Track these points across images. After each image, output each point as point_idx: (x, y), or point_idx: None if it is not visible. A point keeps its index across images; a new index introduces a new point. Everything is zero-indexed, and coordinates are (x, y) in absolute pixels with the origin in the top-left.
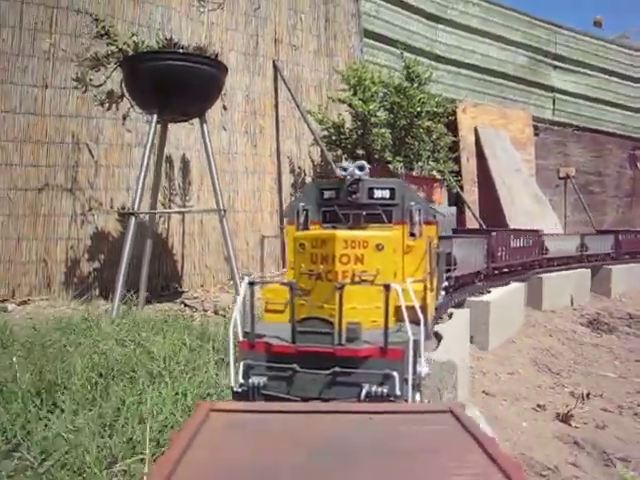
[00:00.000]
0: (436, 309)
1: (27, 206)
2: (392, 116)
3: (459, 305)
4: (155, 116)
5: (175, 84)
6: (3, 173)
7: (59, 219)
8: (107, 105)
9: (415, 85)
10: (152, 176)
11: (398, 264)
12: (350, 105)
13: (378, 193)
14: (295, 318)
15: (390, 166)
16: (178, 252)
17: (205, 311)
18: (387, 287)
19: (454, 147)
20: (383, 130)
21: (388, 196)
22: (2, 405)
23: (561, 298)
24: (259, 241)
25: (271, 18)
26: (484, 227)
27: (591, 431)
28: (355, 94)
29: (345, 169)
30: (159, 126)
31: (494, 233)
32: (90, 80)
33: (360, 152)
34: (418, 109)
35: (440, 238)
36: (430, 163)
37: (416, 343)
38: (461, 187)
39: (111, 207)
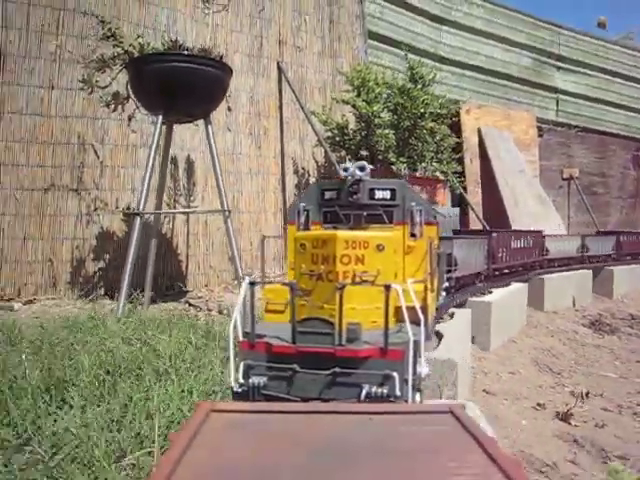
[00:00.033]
0: (437, 310)
1: (33, 206)
2: (396, 117)
3: (460, 306)
4: (160, 117)
5: (180, 86)
6: (10, 173)
7: (65, 219)
8: (113, 106)
9: (419, 86)
10: (157, 177)
11: (399, 265)
12: (354, 106)
13: (379, 194)
14: (295, 318)
15: (394, 167)
16: (183, 252)
17: (209, 311)
18: (387, 287)
19: (457, 148)
20: (387, 131)
21: (389, 197)
22: (12, 401)
23: (563, 299)
24: (259, 241)
25: (275, 20)
26: (487, 228)
27: (590, 430)
28: (359, 95)
29: (346, 169)
30: (164, 127)
31: (494, 234)
32: (96, 82)
33: (364, 153)
34: (422, 110)
35: (441, 239)
36: (433, 164)
37: (416, 344)
38: (464, 188)
39: (116, 207)
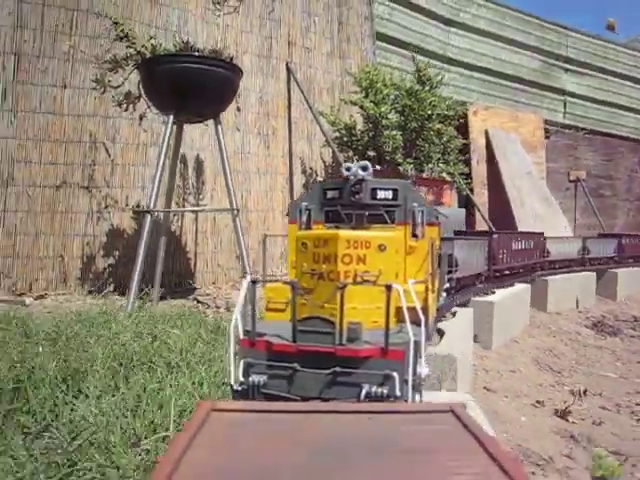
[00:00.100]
0: (437, 310)
1: (45, 203)
2: (403, 118)
3: (461, 306)
4: (171, 117)
5: (191, 87)
6: (22, 170)
7: (76, 216)
8: (125, 106)
9: (426, 88)
10: (167, 175)
11: (400, 265)
12: (362, 107)
13: (381, 194)
14: (296, 317)
15: (401, 168)
16: (191, 250)
17: (218, 308)
18: (388, 287)
19: (464, 149)
20: (394, 132)
21: (391, 197)
22: (31, 390)
23: (566, 300)
24: (261, 240)
25: (285, 21)
26: (493, 229)
27: (588, 427)
28: (367, 96)
29: (348, 169)
30: (175, 127)
31: (495, 235)
32: (109, 81)
33: (371, 154)
34: (429, 112)
35: (442, 239)
36: (440, 165)
37: (417, 344)
38: (471, 189)
39: (126, 205)
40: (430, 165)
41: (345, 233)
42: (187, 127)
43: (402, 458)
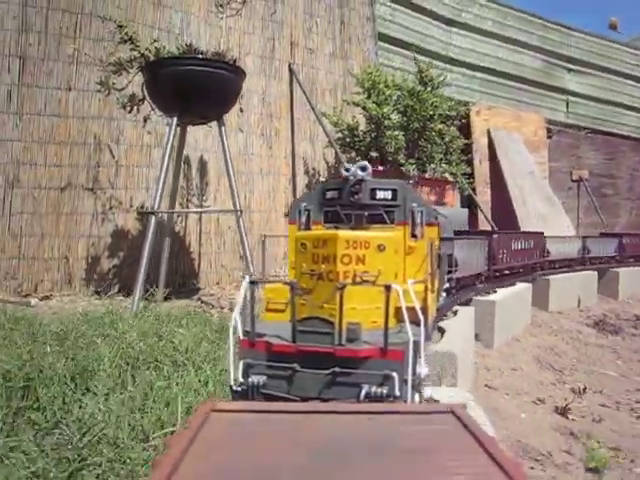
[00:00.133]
0: (437, 310)
1: (50, 204)
2: (405, 119)
3: (462, 305)
4: (175, 119)
5: (195, 89)
6: (28, 173)
7: (81, 217)
8: (129, 108)
9: (428, 89)
10: (171, 177)
11: (399, 265)
12: (364, 108)
13: (380, 194)
14: (296, 318)
15: (403, 168)
16: (195, 250)
17: (222, 308)
18: (388, 288)
19: (467, 149)
20: (396, 133)
21: (390, 197)
22: (41, 388)
23: (568, 299)
24: (260, 241)
25: (287, 22)
26: (496, 229)
27: (587, 424)
28: (369, 97)
29: (348, 169)
30: (178, 128)
31: (495, 235)
32: (113, 84)
33: (374, 154)
34: (431, 112)
35: (441, 239)
36: (442, 165)
37: (416, 344)
38: (473, 189)
39: (130, 206)
40: (432, 165)
41: (344, 233)
42: (191, 129)
43: (402, 458)
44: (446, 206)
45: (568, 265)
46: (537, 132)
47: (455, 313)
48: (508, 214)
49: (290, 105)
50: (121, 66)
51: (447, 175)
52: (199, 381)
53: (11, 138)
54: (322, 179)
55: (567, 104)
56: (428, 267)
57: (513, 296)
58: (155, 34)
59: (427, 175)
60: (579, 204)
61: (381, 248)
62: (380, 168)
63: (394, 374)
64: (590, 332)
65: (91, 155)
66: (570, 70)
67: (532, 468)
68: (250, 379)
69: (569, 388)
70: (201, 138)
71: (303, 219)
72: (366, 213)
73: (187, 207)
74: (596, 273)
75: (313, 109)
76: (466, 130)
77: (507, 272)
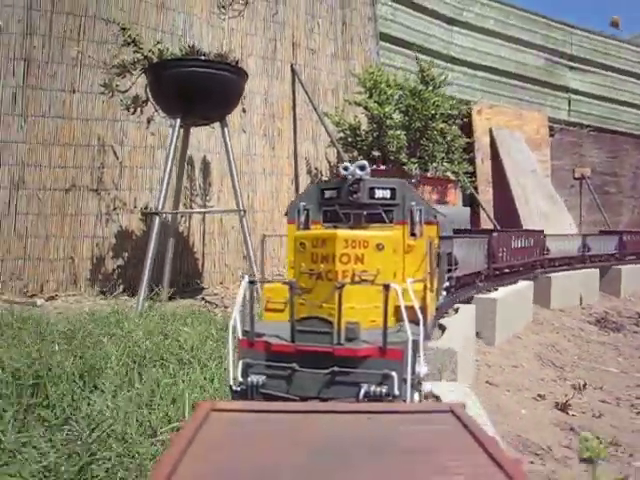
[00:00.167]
0: (437, 309)
1: (55, 205)
2: (407, 118)
3: (463, 303)
4: (178, 120)
5: (198, 90)
6: (33, 174)
7: (85, 218)
8: (132, 109)
9: (430, 88)
10: (175, 177)
11: (398, 264)
12: (366, 108)
13: (379, 193)
14: (295, 317)
15: (405, 167)
16: (199, 250)
17: (226, 307)
18: (387, 287)
19: (469, 148)
20: (398, 132)
21: (389, 196)
22: (50, 385)
23: (570, 297)
24: (260, 241)
25: (289, 23)
26: (498, 227)
27: (588, 419)
28: (371, 97)
29: (346, 168)
30: (181, 129)
31: (495, 233)
32: (116, 86)
33: (376, 154)
34: (432, 112)
35: (441, 238)
36: (444, 164)
37: (415, 343)
38: (475, 188)
39: (135, 207)
40: (434, 164)
41: (343, 233)
42: (194, 130)
43: (402, 458)
44: (448, 205)
45: (568, 263)
46: (539, 130)
47: (456, 310)
48: (510, 213)
49: (292, 105)
50: (124, 68)
51: (449, 174)
52: (205, 378)
53: (16, 140)
54: (325, 179)
55: (569, 102)
56: (427, 266)
57: (514, 294)
58: (158, 36)
59: (429, 174)
60: (581, 202)
61: (380, 247)
62: (382, 167)
63: (393, 373)
64: (592, 329)
65: (95, 156)
66: (572, 68)
67: (532, 462)
68: (249, 379)
69: (570, 384)
70: (204, 139)
71: (302, 218)
72: (365, 212)
73: (191, 207)
74: (598, 271)
75: (315, 109)
76: (468, 129)
77: (507, 270)
